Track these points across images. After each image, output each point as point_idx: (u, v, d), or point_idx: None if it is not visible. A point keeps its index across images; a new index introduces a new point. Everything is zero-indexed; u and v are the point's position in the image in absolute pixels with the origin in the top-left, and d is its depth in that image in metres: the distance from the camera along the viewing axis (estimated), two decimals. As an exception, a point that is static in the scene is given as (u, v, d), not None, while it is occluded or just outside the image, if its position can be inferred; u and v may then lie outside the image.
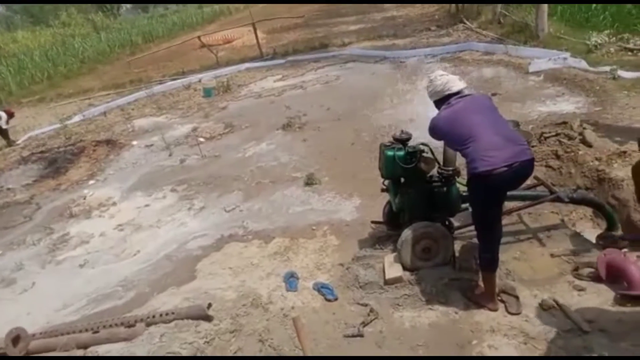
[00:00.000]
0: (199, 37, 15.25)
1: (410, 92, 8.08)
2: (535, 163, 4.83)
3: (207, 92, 11.02)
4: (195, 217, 5.36)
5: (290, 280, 3.80)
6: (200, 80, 12.32)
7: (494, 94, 7.32)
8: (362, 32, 15.88)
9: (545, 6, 9.38)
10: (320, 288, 3.67)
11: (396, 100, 7.70)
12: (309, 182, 5.60)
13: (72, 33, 26.22)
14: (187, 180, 6.39)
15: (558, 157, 4.87)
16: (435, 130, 3.15)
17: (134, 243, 5.05)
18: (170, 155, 7.51)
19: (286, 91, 10.23)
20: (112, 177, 7.09)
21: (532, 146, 5.15)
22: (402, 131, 3.71)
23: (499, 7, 11.88)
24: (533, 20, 9.80)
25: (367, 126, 7.08)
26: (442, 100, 3.19)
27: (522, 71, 8.16)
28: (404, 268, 3.57)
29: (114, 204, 6.14)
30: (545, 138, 5.27)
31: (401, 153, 3.54)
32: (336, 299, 3.58)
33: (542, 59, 8.11)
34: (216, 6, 35.25)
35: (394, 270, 3.56)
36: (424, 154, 3.55)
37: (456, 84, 3.19)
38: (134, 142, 8.46)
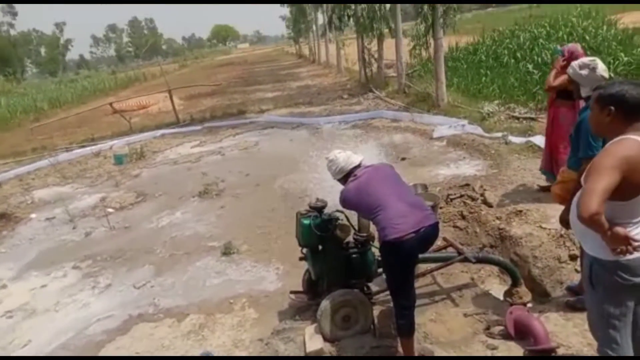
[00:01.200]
0: (110, 104, 14.73)
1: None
2: (443, 224, 5.19)
3: (119, 160, 10.55)
4: (100, 296, 4.90)
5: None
6: (111, 147, 11.79)
7: (403, 159, 7.78)
8: (279, 100, 16.44)
9: (442, 78, 10.37)
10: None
11: (314, 167, 7.88)
12: (227, 251, 5.43)
13: (-32, 97, 24.24)
14: (93, 256, 5.90)
15: (464, 217, 5.17)
16: (345, 202, 3.26)
17: (24, 332, 4.46)
18: (74, 229, 6.94)
19: (203, 157, 10.11)
20: (3, 255, 6.36)
21: (440, 207, 5.46)
22: (317, 199, 3.76)
23: (404, 79, 12.93)
24: (434, 90, 10.75)
25: (286, 192, 7.13)
26: (347, 175, 3.33)
27: (427, 137, 8.80)
28: (325, 339, 3.47)
29: (4, 286, 5.46)
30: (451, 199, 5.62)
31: (317, 221, 3.57)
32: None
33: (444, 126, 8.83)
34: (131, 72, 34.86)
35: (315, 343, 3.45)
36: (340, 221, 3.60)
37: (356, 157, 3.40)
38: (33, 215, 7.74)
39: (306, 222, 3.56)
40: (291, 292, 4.02)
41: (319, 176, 7.33)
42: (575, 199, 2.24)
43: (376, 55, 14.97)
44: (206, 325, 4.12)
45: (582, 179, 2.16)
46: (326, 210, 3.68)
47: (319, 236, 3.54)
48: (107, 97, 24.15)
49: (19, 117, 20.22)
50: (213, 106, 17.05)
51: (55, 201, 8.38)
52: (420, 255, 3.35)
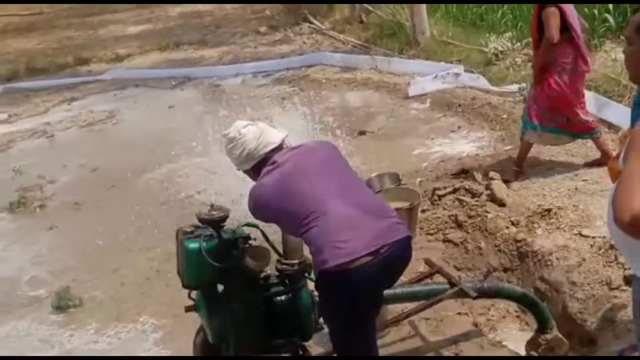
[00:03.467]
0: None
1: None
2: (427, 237, 5.35)
3: None
4: None
5: None
6: None
7: (362, 133, 7.95)
8: (147, 37, 16.25)
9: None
10: None
11: (209, 152, 7.79)
12: (61, 304, 5.36)
13: None
14: None
15: (459, 224, 5.36)
16: (258, 207, 3.30)
17: None
18: None
19: (16, 142, 9.83)
20: None
21: (422, 211, 5.61)
22: (212, 206, 3.72)
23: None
24: (408, 19, 10.98)
25: (162, 197, 7.08)
26: (261, 163, 3.36)
27: (399, 95, 9.04)
28: None
29: None
30: (440, 197, 5.81)
31: (212, 243, 3.53)
32: None
33: (427, 77, 9.07)
34: None
35: None
36: (251, 242, 3.60)
37: (275, 133, 3.41)
38: None
39: (193, 246, 3.52)
40: None
41: (218, 167, 7.28)
42: (610, 192, 2.35)
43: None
44: None
45: (620, 158, 2.28)
46: (228, 225, 3.67)
47: (217, 269, 3.52)
48: None
49: None
50: (30, 51, 16.48)
51: None
52: (386, 292, 3.42)
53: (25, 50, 16.64)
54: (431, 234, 5.36)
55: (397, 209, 5.20)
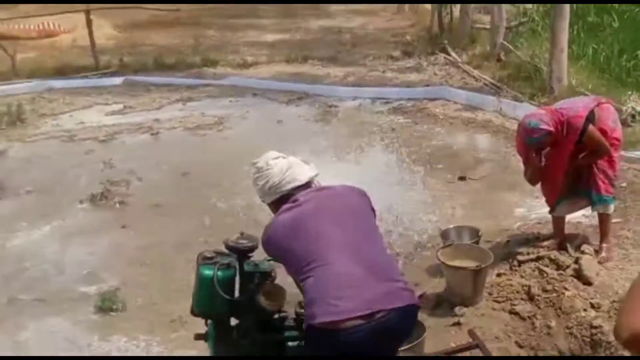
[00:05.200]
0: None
1: (337, 162, 8.20)
2: (495, 304, 5.06)
3: (-24, 122, 10.80)
4: None
5: None
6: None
7: (462, 178, 7.68)
8: (281, 47, 16.63)
9: (563, 42, 10.20)
10: None
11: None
12: (105, 305, 5.50)
13: None
14: None
15: (531, 297, 5.04)
16: (269, 244, 3.28)
17: None
18: None
19: (121, 134, 10.28)
20: None
21: (499, 275, 5.35)
22: (242, 234, 3.69)
23: (501, 37, 12.82)
24: (547, 63, 10.59)
25: (245, 213, 7.06)
26: (283, 198, 3.34)
27: (514, 142, 8.65)
28: None
29: None
30: (520, 263, 5.51)
31: (228, 273, 3.51)
32: None
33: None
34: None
35: None
36: (271, 279, 3.53)
37: (305, 169, 3.39)
38: None
39: (207, 272, 3.50)
40: None
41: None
42: None
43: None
44: None
45: None
46: (255, 257, 3.62)
47: (227, 302, 3.48)
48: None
49: None
50: (166, 46, 17.33)
51: None
52: None
53: (160, 45, 17.52)
54: (498, 302, 5.05)
55: (461, 269, 5.06)
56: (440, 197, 7.09)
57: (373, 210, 3.39)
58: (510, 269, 5.49)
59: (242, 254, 3.63)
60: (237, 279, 3.67)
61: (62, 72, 14.63)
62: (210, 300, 3.53)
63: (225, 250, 3.71)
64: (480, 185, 7.53)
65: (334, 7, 23.87)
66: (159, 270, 6.15)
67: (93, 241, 6.74)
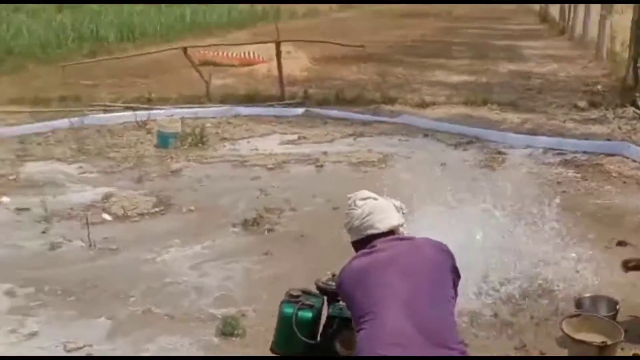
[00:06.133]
0: (184, 49, 16.20)
1: (485, 212, 7.93)
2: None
3: (163, 140, 11.56)
4: (11, 349, 5.44)
5: None
6: (155, 120, 12.90)
7: (621, 243, 7.17)
8: (463, 89, 16.43)
9: None
10: None
11: (459, 228, 7.57)
12: (227, 329, 5.66)
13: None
14: (41, 281, 6.57)
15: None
16: (339, 288, 3.31)
17: None
18: (42, 233, 7.82)
19: (288, 164, 10.59)
20: None
21: (636, 355, 4.93)
22: (333, 275, 3.70)
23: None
24: None
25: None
26: (363, 241, 3.36)
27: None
28: None
29: None
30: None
31: (308, 314, 3.54)
32: None
33: None
34: (259, 7, 37.70)
35: None
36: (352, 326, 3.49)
37: (385, 216, 3.36)
38: (4, 199, 8.90)
39: (288, 311, 3.57)
40: None
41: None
42: None
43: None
44: None
45: None
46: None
47: (303, 344, 3.49)
48: (209, 36, 26.50)
49: (69, 45, 23.30)
50: (352, 81, 17.75)
51: (45, 184, 9.54)
52: None
53: (347, 80, 17.97)
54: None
55: (584, 343, 4.69)
56: (593, 260, 6.62)
57: (454, 269, 3.25)
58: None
59: (330, 296, 3.66)
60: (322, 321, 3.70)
61: (251, 99, 15.40)
62: (288, 340, 3.62)
63: (315, 291, 3.75)
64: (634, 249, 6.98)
65: (527, 52, 23.36)
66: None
67: (234, 264, 7.00)
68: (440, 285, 3.13)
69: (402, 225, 3.43)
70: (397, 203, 3.54)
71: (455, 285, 3.27)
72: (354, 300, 3.13)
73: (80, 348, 5.45)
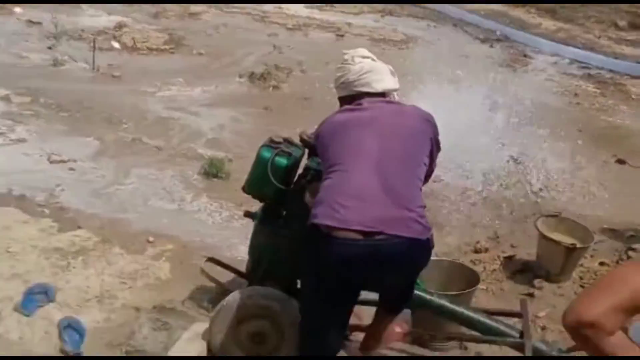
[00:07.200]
0: None
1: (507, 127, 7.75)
2: (580, 290, 4.69)
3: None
4: (-1, 150, 5.57)
5: (33, 296, 3.85)
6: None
7: (620, 161, 7.05)
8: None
9: None
10: (66, 328, 3.70)
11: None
12: (211, 170, 5.71)
13: None
14: (39, 92, 6.67)
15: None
16: (317, 138, 3.27)
17: None
18: (48, 48, 7.85)
19: (310, 27, 10.44)
20: None
21: (602, 263, 4.98)
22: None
23: None
24: None
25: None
26: (352, 98, 3.27)
27: None
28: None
29: None
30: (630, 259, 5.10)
31: (284, 161, 3.55)
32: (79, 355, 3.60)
33: None
34: None
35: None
36: (312, 175, 3.52)
37: (381, 78, 3.27)
38: (17, 9, 8.88)
39: (265, 155, 3.61)
40: (209, 260, 4.10)
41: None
42: None
43: None
44: (90, 253, 4.47)
45: None
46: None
47: (275, 188, 3.55)
48: None
49: None
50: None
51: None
52: (445, 304, 3.46)
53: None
54: (582, 287, 4.72)
55: (554, 242, 4.71)
56: (586, 173, 6.59)
57: (434, 140, 3.18)
58: (617, 262, 5.05)
59: (312, 149, 3.63)
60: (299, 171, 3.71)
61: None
62: (261, 182, 3.63)
63: (298, 142, 3.73)
64: (636, 174, 6.89)
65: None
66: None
67: (231, 112, 7.00)
68: (415, 150, 3.09)
69: (395, 91, 3.35)
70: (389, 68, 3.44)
71: (432, 155, 3.23)
72: (328, 151, 3.11)
73: (64, 162, 5.58)
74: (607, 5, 15.63)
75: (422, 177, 3.12)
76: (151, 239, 4.73)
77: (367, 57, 3.36)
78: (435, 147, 3.22)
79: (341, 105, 3.34)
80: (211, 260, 4.10)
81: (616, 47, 12.12)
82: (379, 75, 3.28)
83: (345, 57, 3.36)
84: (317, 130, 3.30)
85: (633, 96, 9.41)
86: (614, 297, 1.90)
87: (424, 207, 3.03)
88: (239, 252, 4.73)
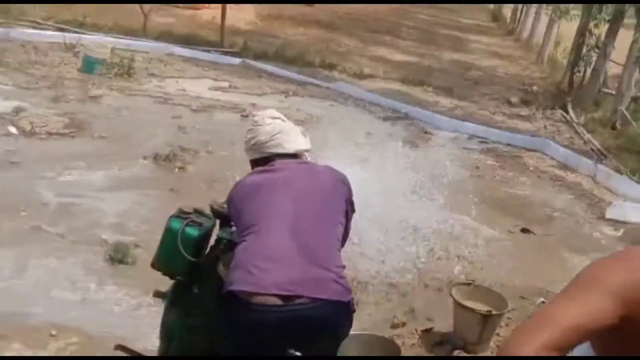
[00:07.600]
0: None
1: (415, 200, 7.86)
2: (496, 359, 4.70)
3: (89, 65, 11.28)
4: None
5: None
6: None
7: (524, 230, 7.28)
8: (401, 68, 16.47)
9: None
10: None
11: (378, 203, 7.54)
12: (117, 256, 5.51)
13: None
14: None
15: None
16: (230, 202, 3.24)
17: None
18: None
19: (214, 109, 10.45)
20: None
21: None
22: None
23: (624, 105, 12.20)
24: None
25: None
26: (264, 160, 3.28)
27: (595, 212, 8.25)
28: None
29: None
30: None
31: (195, 232, 3.44)
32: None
33: (637, 205, 8.16)
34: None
35: None
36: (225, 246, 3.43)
37: (293, 138, 3.30)
38: None
39: (173, 225, 3.49)
40: (117, 348, 3.89)
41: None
42: None
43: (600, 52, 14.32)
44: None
45: None
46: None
47: (186, 262, 3.42)
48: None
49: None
50: (295, 41, 17.66)
51: (-46, 88, 9.15)
52: None
53: (291, 40, 17.85)
54: (500, 357, 4.71)
55: (470, 310, 4.71)
56: (494, 243, 6.74)
57: (349, 202, 3.21)
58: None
59: (224, 219, 3.55)
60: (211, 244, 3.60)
61: (188, 41, 15.21)
62: (171, 256, 3.51)
63: (209, 213, 3.64)
64: (540, 241, 7.11)
65: (473, 45, 23.70)
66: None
67: (136, 195, 6.83)
68: (330, 210, 3.09)
69: (307, 151, 3.38)
70: (300, 128, 3.46)
71: (347, 217, 3.23)
72: (241, 215, 3.08)
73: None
74: (500, 84, 16.58)
75: (339, 237, 3.13)
76: (54, 332, 4.45)
77: (277, 118, 3.39)
78: (350, 208, 3.24)
79: (253, 167, 3.34)
80: (120, 347, 3.91)
81: (510, 122, 12.80)
82: (290, 135, 3.31)
83: (255, 118, 3.40)
84: (229, 194, 3.25)
85: (531, 168, 9.88)
86: (543, 336, 1.82)
87: (344, 267, 3.01)
88: (151, 341, 4.45)
